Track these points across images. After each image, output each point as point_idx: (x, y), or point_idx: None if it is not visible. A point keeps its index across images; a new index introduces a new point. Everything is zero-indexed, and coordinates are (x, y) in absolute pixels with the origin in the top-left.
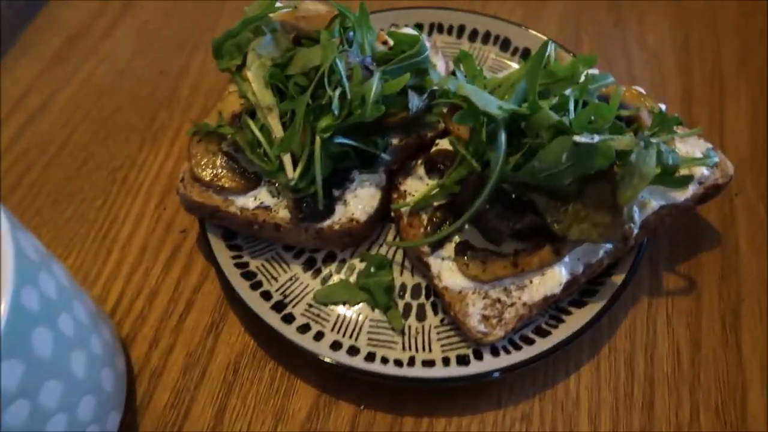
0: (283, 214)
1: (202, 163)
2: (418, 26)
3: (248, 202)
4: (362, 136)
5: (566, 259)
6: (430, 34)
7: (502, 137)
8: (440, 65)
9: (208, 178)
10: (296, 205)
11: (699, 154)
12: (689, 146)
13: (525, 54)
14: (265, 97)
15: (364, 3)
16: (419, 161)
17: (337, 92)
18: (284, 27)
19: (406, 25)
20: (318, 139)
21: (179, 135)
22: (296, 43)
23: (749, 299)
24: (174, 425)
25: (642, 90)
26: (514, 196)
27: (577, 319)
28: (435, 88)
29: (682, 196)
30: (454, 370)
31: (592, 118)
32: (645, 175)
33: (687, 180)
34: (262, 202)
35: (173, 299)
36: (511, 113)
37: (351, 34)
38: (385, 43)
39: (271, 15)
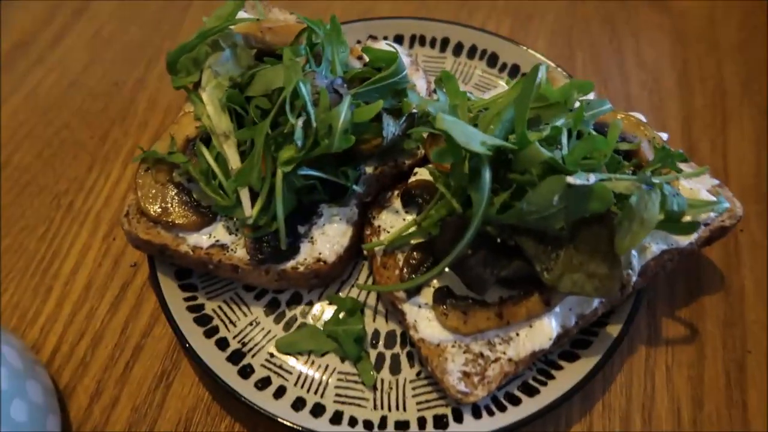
0: (241, 253)
1: (150, 195)
2: (398, 38)
3: (202, 240)
4: (331, 166)
5: (557, 309)
6: (411, 46)
7: (486, 176)
8: (420, 84)
9: (155, 213)
10: (255, 245)
11: (705, 193)
12: (692, 182)
13: (514, 71)
14: (221, 122)
15: (335, 16)
16: (395, 193)
17: (301, 120)
18: (247, 40)
19: (385, 38)
20: (279, 172)
21: (133, 155)
22: (259, 60)
23: (756, 350)
24: None
25: (642, 116)
26: (499, 240)
27: (568, 376)
28: (414, 111)
29: (686, 240)
30: None
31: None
32: (647, 222)
33: (693, 227)
34: (217, 240)
35: (119, 344)
36: (496, 148)
37: (321, 49)
38: (360, 57)
39: (232, 27)
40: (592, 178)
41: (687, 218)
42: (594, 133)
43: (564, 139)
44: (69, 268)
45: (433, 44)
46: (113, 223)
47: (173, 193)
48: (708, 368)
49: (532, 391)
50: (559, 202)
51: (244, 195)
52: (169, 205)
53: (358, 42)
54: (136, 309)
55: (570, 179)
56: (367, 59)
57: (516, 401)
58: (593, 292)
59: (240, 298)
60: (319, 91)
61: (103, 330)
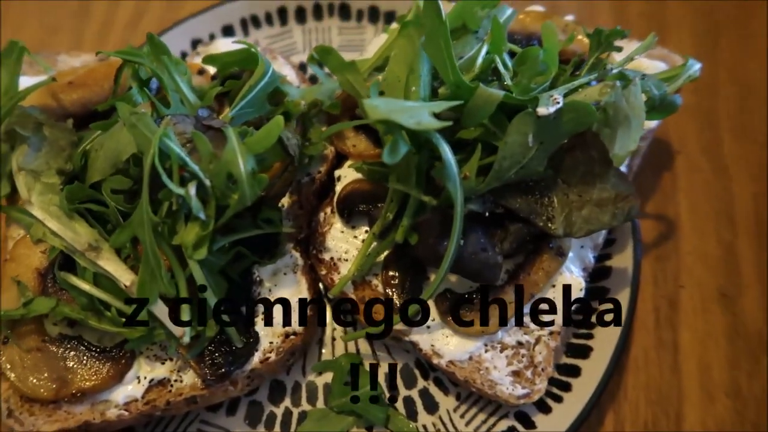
0: (189, 379)
1: (30, 372)
2: (228, 30)
3: (132, 389)
4: (246, 219)
5: (570, 254)
6: (246, 34)
7: (449, 151)
8: (287, 72)
9: (51, 392)
10: (206, 362)
11: (657, 63)
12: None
13: (373, 14)
14: (78, 235)
15: (152, 34)
16: (329, 211)
17: (192, 187)
18: (48, 113)
19: (212, 36)
20: (193, 264)
21: None
22: (82, 127)
23: (690, 284)
24: None
25: (538, 7)
26: (487, 213)
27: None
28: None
29: (654, 120)
30: None
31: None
32: (637, 117)
33: (674, 102)
34: (152, 380)
35: None
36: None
37: (153, 84)
38: (201, 72)
39: (22, 103)
40: (560, 99)
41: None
42: (519, 49)
43: (502, 68)
44: None
45: (269, 20)
46: None
47: (60, 352)
48: (636, 306)
49: (584, 352)
50: (534, 141)
51: (161, 312)
52: (64, 371)
53: (184, 56)
54: None
55: (540, 110)
56: (212, 71)
57: (573, 371)
58: (614, 220)
59: (210, 424)
60: (189, 137)
61: None
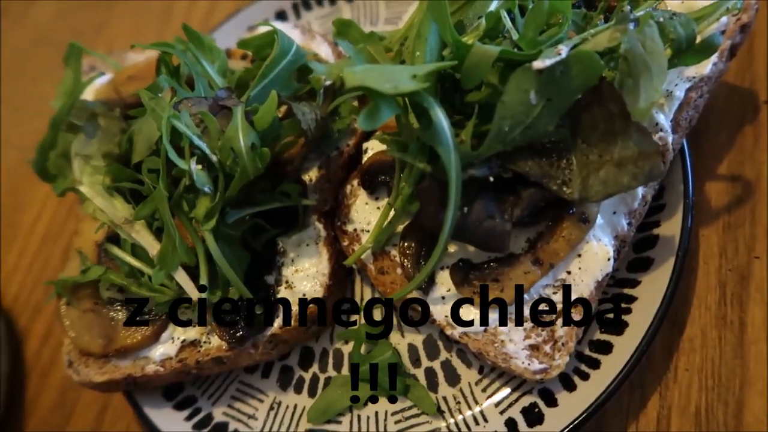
0: (216, 341)
1: (84, 330)
2: (281, 15)
3: (167, 348)
4: (265, 193)
5: (599, 221)
6: (298, 17)
7: (439, 114)
8: (324, 50)
9: (99, 347)
10: (225, 326)
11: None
12: None
13: None
14: (116, 209)
15: (187, 25)
16: (354, 183)
17: (193, 162)
18: (108, 104)
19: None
20: (207, 234)
21: None
22: (129, 118)
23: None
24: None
25: None
26: (492, 179)
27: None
28: (327, 83)
29: (707, 64)
30: None
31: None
32: (657, 64)
33: (712, 44)
34: (184, 340)
35: None
36: (435, 75)
37: (188, 70)
38: (245, 57)
39: (85, 98)
40: (564, 50)
41: (699, 38)
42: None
43: (508, 23)
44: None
45: (320, 1)
46: None
47: (107, 313)
48: (699, 281)
49: (619, 328)
50: (538, 99)
51: (182, 278)
52: (110, 329)
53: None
54: None
55: (536, 63)
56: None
57: (604, 347)
58: (633, 181)
59: (247, 385)
60: (201, 116)
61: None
